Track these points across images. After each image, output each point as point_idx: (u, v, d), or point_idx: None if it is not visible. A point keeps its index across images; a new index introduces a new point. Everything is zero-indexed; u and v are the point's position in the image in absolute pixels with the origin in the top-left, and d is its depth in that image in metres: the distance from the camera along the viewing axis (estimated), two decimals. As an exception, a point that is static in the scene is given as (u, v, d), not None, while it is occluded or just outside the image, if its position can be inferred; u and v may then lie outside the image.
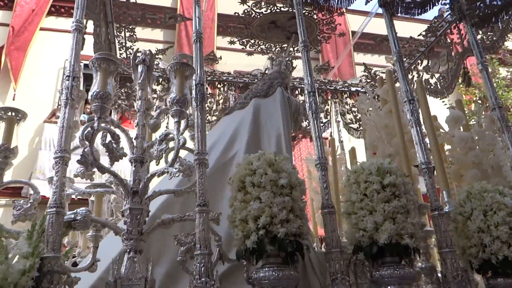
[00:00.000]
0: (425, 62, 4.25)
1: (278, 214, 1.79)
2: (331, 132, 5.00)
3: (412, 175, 2.56)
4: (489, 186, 2.25)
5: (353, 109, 4.96)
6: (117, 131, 1.92)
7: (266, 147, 2.73)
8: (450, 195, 2.58)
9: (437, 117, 3.20)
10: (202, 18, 2.47)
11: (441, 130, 3.21)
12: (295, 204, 1.88)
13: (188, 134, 2.20)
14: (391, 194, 1.98)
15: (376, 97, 3.63)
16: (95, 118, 1.80)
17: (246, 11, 3.78)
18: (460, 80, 3.98)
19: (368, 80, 4.89)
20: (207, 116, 4.41)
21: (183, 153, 2.00)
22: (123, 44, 3.90)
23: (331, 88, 5.02)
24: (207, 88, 4.50)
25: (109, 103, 1.86)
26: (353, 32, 8.22)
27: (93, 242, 1.93)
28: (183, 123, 1.99)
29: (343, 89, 5.07)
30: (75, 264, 2.80)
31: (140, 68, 2.16)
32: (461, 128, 3.20)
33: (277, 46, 4.19)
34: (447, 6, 3.42)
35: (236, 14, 3.85)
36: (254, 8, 3.74)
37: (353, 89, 5.04)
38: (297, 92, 4.80)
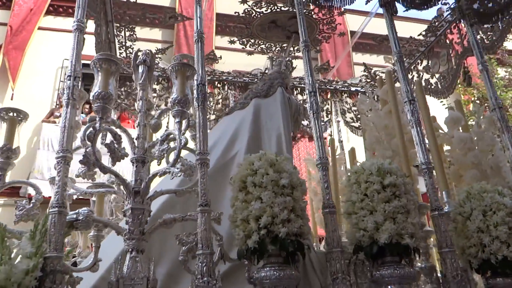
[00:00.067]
0: (425, 62, 4.26)
1: (279, 214, 1.80)
2: (331, 132, 5.01)
3: (411, 176, 2.57)
4: (488, 186, 2.26)
5: (353, 108, 4.97)
6: (118, 131, 1.93)
7: (267, 147, 2.74)
8: (450, 195, 2.59)
9: (436, 118, 3.21)
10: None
11: (440, 131, 3.22)
12: (296, 204, 1.89)
13: (189, 134, 2.20)
14: (392, 194, 1.99)
15: (376, 97, 3.64)
16: (97, 119, 1.80)
17: (246, 10, 3.79)
18: (461, 80, 3.98)
19: (368, 80, 4.90)
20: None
21: (183, 153, 2.00)
22: (123, 43, 3.90)
23: (331, 88, 5.04)
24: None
25: (110, 104, 1.87)
26: (352, 32, 8.25)
27: (95, 242, 1.93)
28: (184, 123, 2.00)
29: (343, 89, 5.08)
30: (74, 264, 2.81)
31: (141, 69, 2.16)
32: (460, 129, 3.21)
33: (277, 46, 4.19)
34: (449, 4, 3.42)
35: (237, 14, 3.85)
36: (255, 8, 3.75)
37: (353, 89, 5.05)
38: (297, 91, 4.82)
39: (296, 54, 4.31)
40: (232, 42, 4.17)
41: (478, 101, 8.55)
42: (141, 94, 2.11)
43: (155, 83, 4.25)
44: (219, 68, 4.90)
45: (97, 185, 2.01)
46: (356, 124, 4.94)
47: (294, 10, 3.02)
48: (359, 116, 4.85)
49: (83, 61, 1.99)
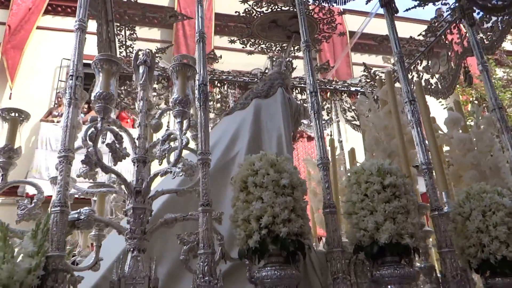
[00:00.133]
0: (424, 63, 4.27)
1: (280, 214, 1.80)
2: (330, 132, 5.02)
3: (411, 176, 2.57)
4: (487, 187, 2.27)
5: (354, 107, 4.98)
6: (119, 131, 1.94)
7: (267, 147, 2.75)
8: (449, 195, 2.60)
9: (435, 118, 3.22)
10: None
11: (440, 132, 3.23)
12: (297, 204, 1.89)
13: (189, 135, 2.21)
14: (392, 195, 1.99)
15: (376, 97, 3.65)
16: (99, 119, 1.80)
17: (247, 10, 3.79)
18: (462, 80, 3.98)
19: (368, 80, 4.91)
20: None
21: (183, 153, 2.01)
22: (123, 42, 3.90)
23: (331, 88, 5.05)
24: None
25: (112, 104, 1.87)
26: (350, 32, 8.27)
27: (96, 241, 1.93)
28: (185, 123, 2.01)
29: (342, 89, 5.09)
30: (74, 263, 2.81)
31: (141, 69, 2.16)
32: (460, 129, 3.22)
33: (278, 45, 4.19)
34: (449, 5, 3.43)
35: (237, 13, 3.85)
36: (255, 7, 3.75)
37: (352, 89, 5.06)
38: (296, 91, 4.83)
39: (296, 54, 4.32)
40: (232, 41, 4.17)
41: (476, 102, 8.58)
42: (142, 94, 2.11)
43: (155, 82, 4.25)
44: (218, 68, 4.90)
45: (99, 185, 2.02)
46: (358, 122, 4.94)
47: (295, 9, 3.03)
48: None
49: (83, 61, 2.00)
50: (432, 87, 4.19)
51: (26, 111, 1.97)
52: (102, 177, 2.75)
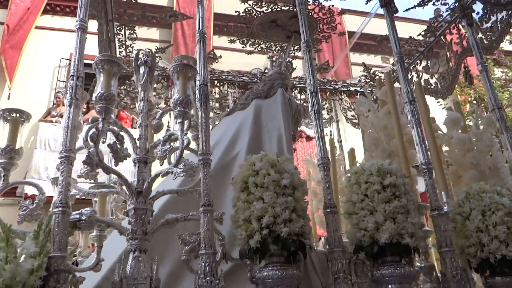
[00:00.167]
0: (424, 63, 4.28)
1: (281, 214, 1.80)
2: (330, 132, 5.02)
3: (411, 176, 2.58)
4: (487, 187, 2.27)
5: (353, 106, 4.99)
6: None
7: (268, 148, 2.75)
8: (449, 195, 2.61)
9: (435, 119, 3.23)
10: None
11: (439, 132, 3.24)
12: (298, 204, 1.90)
13: (190, 135, 2.21)
14: (392, 195, 1.99)
15: (375, 98, 3.65)
16: (100, 119, 1.81)
17: (247, 9, 3.79)
18: (462, 79, 3.99)
19: (367, 80, 4.91)
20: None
21: (184, 153, 2.01)
22: (123, 42, 3.90)
23: (330, 88, 5.05)
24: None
25: (113, 104, 1.87)
26: (349, 32, 8.28)
27: (97, 241, 1.94)
28: (186, 123, 2.01)
29: (342, 89, 5.10)
30: (74, 264, 2.81)
31: (142, 70, 2.16)
32: (459, 129, 3.23)
33: (277, 45, 4.20)
34: (449, 5, 3.43)
35: (237, 13, 3.85)
36: (255, 7, 3.75)
37: (352, 89, 5.07)
38: (296, 91, 4.83)
39: (296, 54, 4.32)
40: (232, 41, 4.17)
41: (475, 102, 8.60)
42: (143, 95, 2.11)
43: (155, 82, 4.25)
44: (217, 67, 4.91)
45: (100, 186, 2.02)
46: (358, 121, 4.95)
47: (295, 9, 3.03)
48: (359, 115, 4.86)
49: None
50: (432, 87, 4.19)
51: (27, 112, 1.98)
52: (101, 177, 2.75)
